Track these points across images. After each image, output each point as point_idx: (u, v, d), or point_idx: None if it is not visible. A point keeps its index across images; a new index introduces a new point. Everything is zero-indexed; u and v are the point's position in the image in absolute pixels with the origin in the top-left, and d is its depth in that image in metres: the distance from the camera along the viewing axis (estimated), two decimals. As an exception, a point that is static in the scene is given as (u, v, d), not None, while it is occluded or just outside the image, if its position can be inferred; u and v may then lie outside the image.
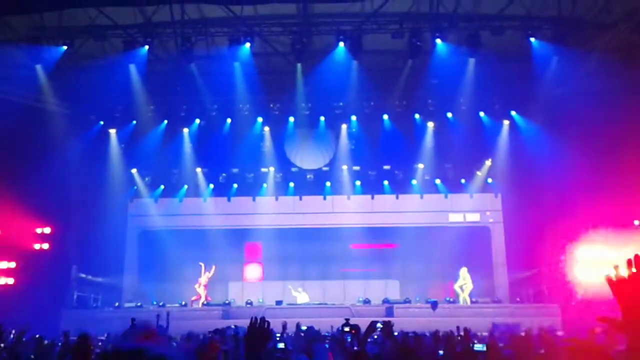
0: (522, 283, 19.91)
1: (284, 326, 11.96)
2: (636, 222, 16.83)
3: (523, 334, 10.56)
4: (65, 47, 17.22)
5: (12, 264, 17.94)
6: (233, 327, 11.50)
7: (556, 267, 18.28)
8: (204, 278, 19.74)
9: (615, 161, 15.31)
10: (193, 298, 19.54)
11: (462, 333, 6.61)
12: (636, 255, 1.68)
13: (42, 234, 18.78)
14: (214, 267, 19.88)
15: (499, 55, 17.65)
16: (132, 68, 18.40)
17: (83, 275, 19.41)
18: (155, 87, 19.43)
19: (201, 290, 19.60)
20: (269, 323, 3.21)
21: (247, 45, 17.56)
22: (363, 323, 5.35)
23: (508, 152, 20.22)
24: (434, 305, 17.66)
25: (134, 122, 20.53)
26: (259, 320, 3.26)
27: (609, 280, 1.88)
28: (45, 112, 18.69)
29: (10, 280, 17.79)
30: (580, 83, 16.80)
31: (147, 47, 17.56)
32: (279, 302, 19.03)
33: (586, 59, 16.77)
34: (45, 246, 18.71)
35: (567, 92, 17.29)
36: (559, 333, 9.17)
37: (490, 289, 20.04)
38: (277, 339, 9.64)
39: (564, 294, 17.52)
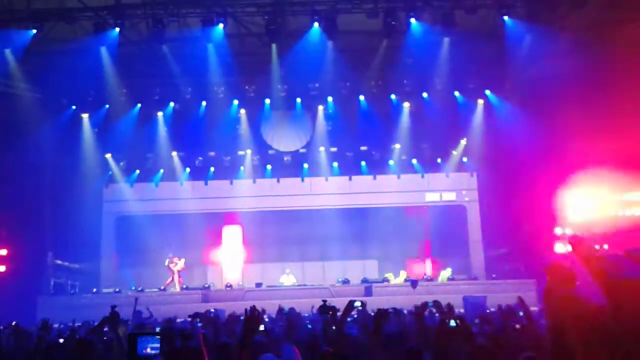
0: (498, 260, 20.26)
1: (263, 311, 12.00)
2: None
3: (493, 309, 10.80)
4: (34, 31, 16.82)
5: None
6: (212, 310, 11.52)
7: (528, 244, 18.57)
8: (177, 266, 19.52)
9: (588, 139, 15.54)
10: (167, 282, 19.40)
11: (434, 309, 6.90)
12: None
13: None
14: (183, 259, 19.65)
15: (473, 34, 17.71)
16: (104, 51, 18.04)
17: (59, 262, 19.19)
18: (128, 70, 19.12)
19: (177, 268, 19.42)
20: (259, 312, 3.33)
21: (221, 26, 17.32)
22: (343, 303, 5.40)
23: (483, 131, 20.41)
24: (414, 283, 17.87)
25: (107, 106, 20.20)
26: (252, 311, 3.39)
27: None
28: (15, 97, 18.29)
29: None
30: (553, 62, 16.95)
31: (117, 29, 17.21)
32: (258, 285, 19.08)
33: (559, 37, 16.91)
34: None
35: (540, 70, 17.44)
36: (534, 309, 9.35)
37: (467, 267, 20.34)
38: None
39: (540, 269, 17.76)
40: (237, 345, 3.52)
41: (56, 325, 11.16)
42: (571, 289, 1.93)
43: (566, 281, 1.90)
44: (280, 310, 11.52)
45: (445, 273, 19.08)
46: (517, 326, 6.70)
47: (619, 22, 16.60)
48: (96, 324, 6.66)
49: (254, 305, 3.68)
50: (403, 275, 18.89)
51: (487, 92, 20.24)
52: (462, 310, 12.03)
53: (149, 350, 3.64)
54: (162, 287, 19.05)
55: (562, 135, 16.06)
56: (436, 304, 6.67)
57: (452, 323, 5.10)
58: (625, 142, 14.65)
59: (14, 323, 8.39)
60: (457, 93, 20.43)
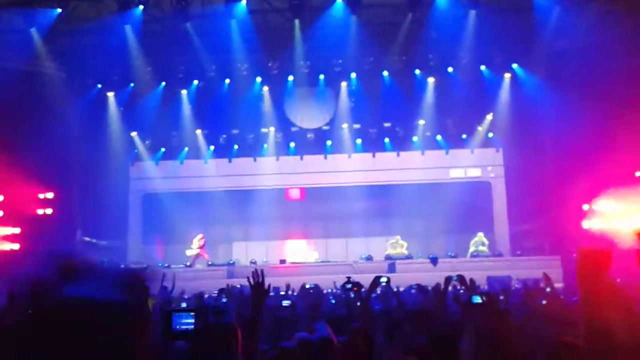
0: (523, 236, 20.07)
1: (288, 286, 12.11)
2: (638, 174, 16.83)
3: (517, 285, 10.73)
4: (59, 10, 16.94)
5: (17, 230, 18.05)
6: (238, 286, 11.66)
7: (554, 221, 18.34)
8: (195, 243, 20.03)
9: (618, 114, 15.20)
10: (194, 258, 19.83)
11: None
12: None
13: (45, 199, 18.83)
14: (200, 234, 20.11)
15: (500, 6, 17.34)
16: (128, 29, 18.12)
17: (87, 239, 19.57)
18: (152, 49, 19.19)
19: (193, 252, 19.93)
20: (262, 274, 3.36)
21: (244, 2, 17.24)
22: (365, 279, 5.42)
23: (509, 106, 20.08)
24: (434, 260, 17.84)
25: (132, 84, 20.36)
26: (258, 275, 3.40)
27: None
28: (42, 76, 18.50)
29: (16, 246, 17.94)
30: (582, 35, 16.55)
31: (141, 7, 17.25)
32: (282, 261, 19.25)
33: (588, 9, 16.48)
34: (49, 211, 18.79)
35: (569, 44, 17.05)
36: (559, 285, 9.30)
37: (492, 243, 20.21)
38: (282, 296, 9.79)
39: (568, 246, 17.55)
40: (250, 317, 3.53)
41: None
42: (606, 275, 1.87)
43: (601, 266, 1.85)
44: (303, 287, 11.62)
45: (478, 239, 19.19)
46: (544, 302, 6.66)
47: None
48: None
49: (255, 269, 3.69)
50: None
51: (515, 65, 19.85)
52: (486, 288, 11.99)
53: (184, 326, 3.70)
54: (189, 264, 19.40)
55: (590, 110, 15.72)
56: (460, 278, 6.37)
57: (478, 299, 4.91)
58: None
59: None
60: (483, 67, 20.07)
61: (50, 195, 18.79)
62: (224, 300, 8.73)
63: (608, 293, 1.89)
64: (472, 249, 19.54)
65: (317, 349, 3.09)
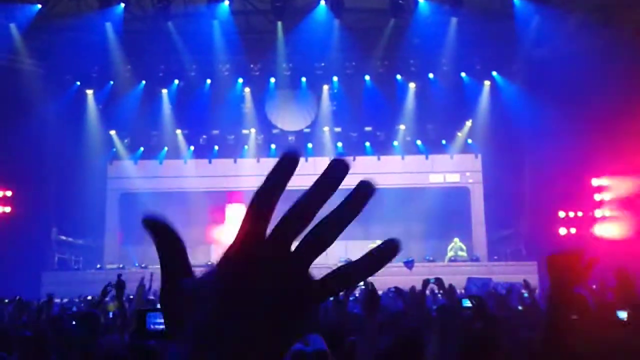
0: (500, 242, 20.28)
1: None
2: (609, 182, 17.12)
3: (504, 291, 10.80)
4: (39, 6, 16.73)
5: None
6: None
7: (531, 226, 18.57)
8: None
9: (595, 122, 15.46)
10: None
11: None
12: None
13: (4, 196, 18.34)
14: None
15: (481, 14, 17.52)
16: (109, 27, 17.96)
17: (63, 237, 19.31)
18: (133, 47, 19.04)
19: None
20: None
21: (226, 2, 17.22)
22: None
23: (488, 113, 20.31)
24: (409, 264, 17.85)
25: (111, 82, 20.16)
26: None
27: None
28: (20, 72, 18.24)
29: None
30: (561, 44, 16.81)
31: (122, 4, 17.12)
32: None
33: (567, 18, 16.73)
34: (7, 209, 18.27)
35: (548, 52, 17.30)
36: (537, 291, 9.41)
37: (469, 248, 20.37)
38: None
39: (545, 251, 17.77)
40: None
41: (57, 300, 11.25)
42: (578, 281, 1.88)
43: (572, 271, 1.86)
44: None
45: (455, 244, 19.31)
46: (520, 307, 6.74)
47: (628, 5, 16.40)
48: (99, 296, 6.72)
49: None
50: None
51: (494, 73, 20.08)
52: (463, 292, 12.07)
53: (158, 326, 3.67)
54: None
55: (567, 118, 15.96)
56: (438, 281, 6.25)
57: (467, 303, 4.80)
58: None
59: (17, 297, 8.45)
60: (463, 74, 20.27)
61: (8, 193, 18.23)
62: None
63: (574, 302, 1.91)
64: (450, 254, 19.67)
65: None
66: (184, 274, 0.67)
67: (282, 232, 0.66)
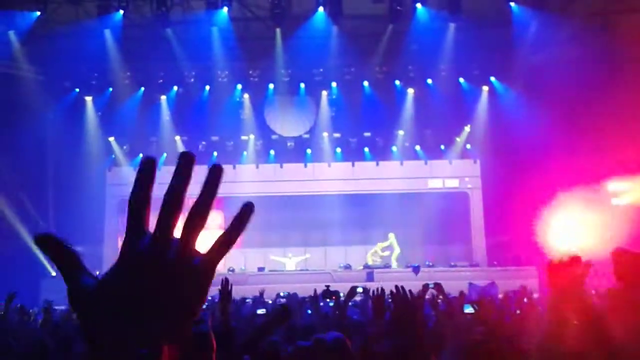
0: (499, 247, 20.27)
1: (261, 293, 11.92)
2: (611, 186, 17.12)
3: (501, 295, 10.80)
4: (38, 13, 16.77)
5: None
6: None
7: (530, 232, 18.59)
8: None
9: (592, 127, 15.50)
10: None
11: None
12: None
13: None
14: None
15: (479, 20, 17.59)
16: (107, 34, 18.01)
17: (62, 245, 19.25)
18: (132, 54, 19.07)
19: None
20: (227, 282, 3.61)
21: (225, 9, 17.24)
22: (344, 288, 5.43)
23: (487, 118, 20.35)
24: (416, 269, 17.87)
25: (110, 89, 20.18)
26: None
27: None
28: (19, 79, 18.27)
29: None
30: (559, 49, 16.86)
31: (121, 11, 17.16)
32: (261, 269, 19.16)
33: (565, 24, 16.80)
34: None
35: (546, 58, 17.35)
36: (535, 295, 9.41)
37: (469, 253, 20.38)
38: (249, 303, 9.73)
39: (540, 257, 17.82)
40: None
41: (57, 307, 11.21)
42: (578, 285, 1.89)
43: (574, 282, 1.86)
44: (277, 296, 11.43)
45: (383, 244, 19.15)
46: (518, 312, 6.72)
47: (625, 10, 16.48)
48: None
49: (225, 278, 3.88)
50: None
51: (492, 78, 20.14)
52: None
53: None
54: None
55: (565, 123, 16.01)
56: (437, 286, 6.15)
57: (469, 309, 4.72)
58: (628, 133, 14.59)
59: (18, 305, 8.42)
60: (461, 79, 20.33)
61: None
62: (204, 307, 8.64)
63: (575, 304, 1.91)
64: (370, 259, 19.57)
65: (333, 348, 3.10)
66: (82, 277, 0.75)
67: (160, 228, 0.75)
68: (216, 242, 0.72)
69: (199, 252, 0.72)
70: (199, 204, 0.74)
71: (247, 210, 0.74)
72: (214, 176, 0.78)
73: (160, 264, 0.69)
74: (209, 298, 10.22)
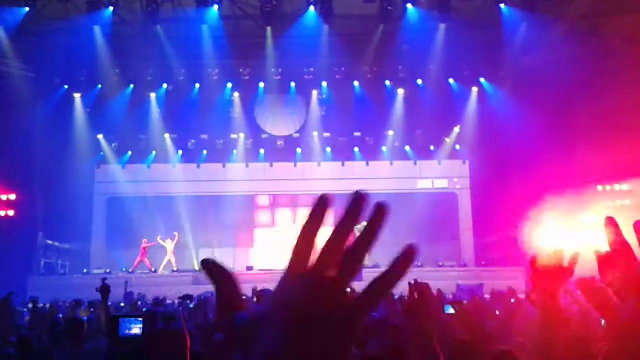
0: (487, 248, 20.39)
1: (254, 290, 11.83)
2: (599, 188, 17.27)
3: (487, 296, 10.86)
4: (27, 9, 16.63)
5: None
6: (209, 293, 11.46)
7: (518, 232, 18.70)
8: (171, 246, 19.45)
9: (581, 128, 15.61)
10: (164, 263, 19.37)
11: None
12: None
13: (8, 200, 18.36)
14: (176, 235, 19.59)
15: (469, 21, 17.66)
16: (97, 30, 17.89)
17: (50, 242, 19.14)
18: (121, 51, 18.95)
19: (170, 256, 19.37)
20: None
21: (215, 7, 17.20)
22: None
23: (476, 119, 20.43)
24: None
25: (100, 86, 20.06)
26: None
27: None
28: (7, 76, 18.11)
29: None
30: (548, 51, 16.97)
31: (111, 8, 17.07)
32: (249, 268, 19.13)
33: (554, 26, 16.91)
34: (11, 213, 18.32)
35: (535, 60, 17.46)
36: (521, 296, 9.47)
37: (457, 254, 20.47)
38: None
39: (526, 259, 17.94)
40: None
41: (41, 305, 11.15)
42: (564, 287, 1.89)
43: (560, 277, 1.87)
44: (253, 291, 11.01)
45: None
46: (497, 312, 6.77)
47: (614, 12, 16.62)
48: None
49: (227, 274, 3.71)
50: None
51: (482, 80, 20.23)
52: (451, 297, 12.11)
53: (132, 331, 3.65)
54: (154, 269, 19.07)
55: (554, 124, 16.12)
56: (413, 284, 6.17)
57: (451, 310, 4.73)
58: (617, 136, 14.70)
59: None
60: (451, 80, 20.40)
61: (12, 196, 18.31)
62: (191, 306, 8.63)
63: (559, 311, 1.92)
64: None
65: None
66: (237, 308, 0.77)
67: (319, 264, 0.73)
68: (368, 288, 0.73)
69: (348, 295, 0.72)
70: (360, 244, 0.75)
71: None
72: (379, 216, 0.79)
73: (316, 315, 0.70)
74: (209, 296, 10.20)
